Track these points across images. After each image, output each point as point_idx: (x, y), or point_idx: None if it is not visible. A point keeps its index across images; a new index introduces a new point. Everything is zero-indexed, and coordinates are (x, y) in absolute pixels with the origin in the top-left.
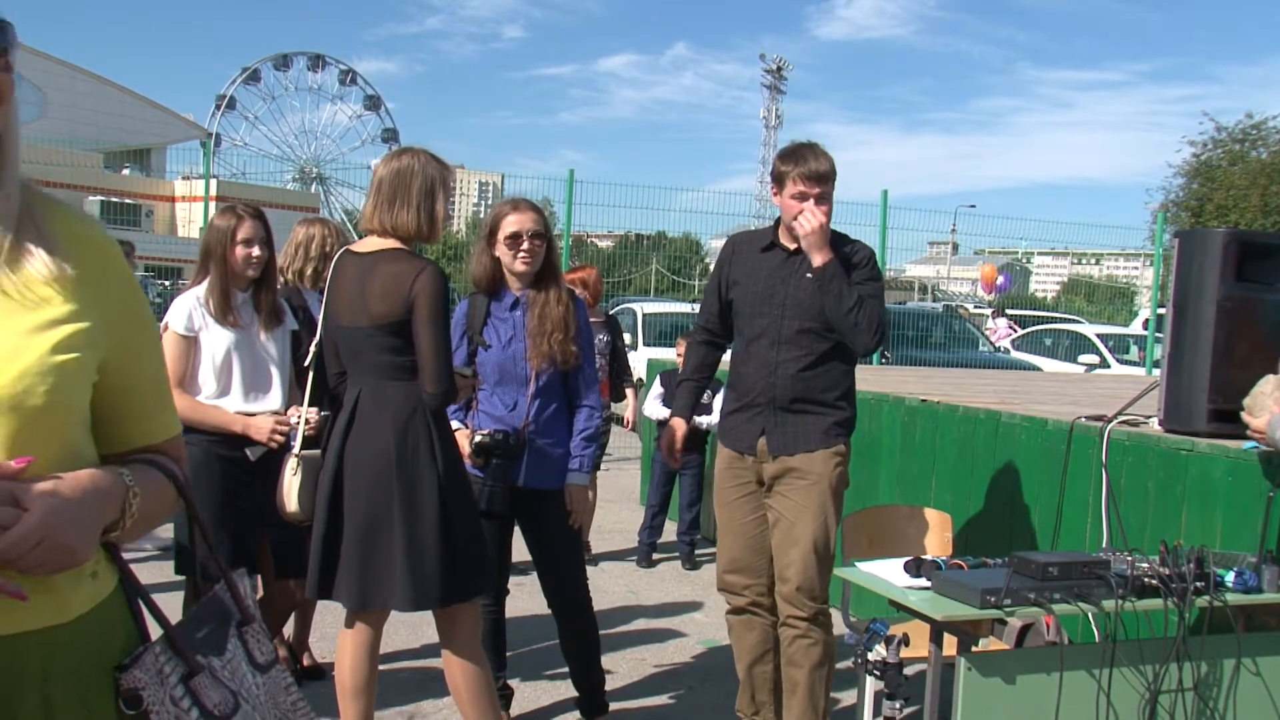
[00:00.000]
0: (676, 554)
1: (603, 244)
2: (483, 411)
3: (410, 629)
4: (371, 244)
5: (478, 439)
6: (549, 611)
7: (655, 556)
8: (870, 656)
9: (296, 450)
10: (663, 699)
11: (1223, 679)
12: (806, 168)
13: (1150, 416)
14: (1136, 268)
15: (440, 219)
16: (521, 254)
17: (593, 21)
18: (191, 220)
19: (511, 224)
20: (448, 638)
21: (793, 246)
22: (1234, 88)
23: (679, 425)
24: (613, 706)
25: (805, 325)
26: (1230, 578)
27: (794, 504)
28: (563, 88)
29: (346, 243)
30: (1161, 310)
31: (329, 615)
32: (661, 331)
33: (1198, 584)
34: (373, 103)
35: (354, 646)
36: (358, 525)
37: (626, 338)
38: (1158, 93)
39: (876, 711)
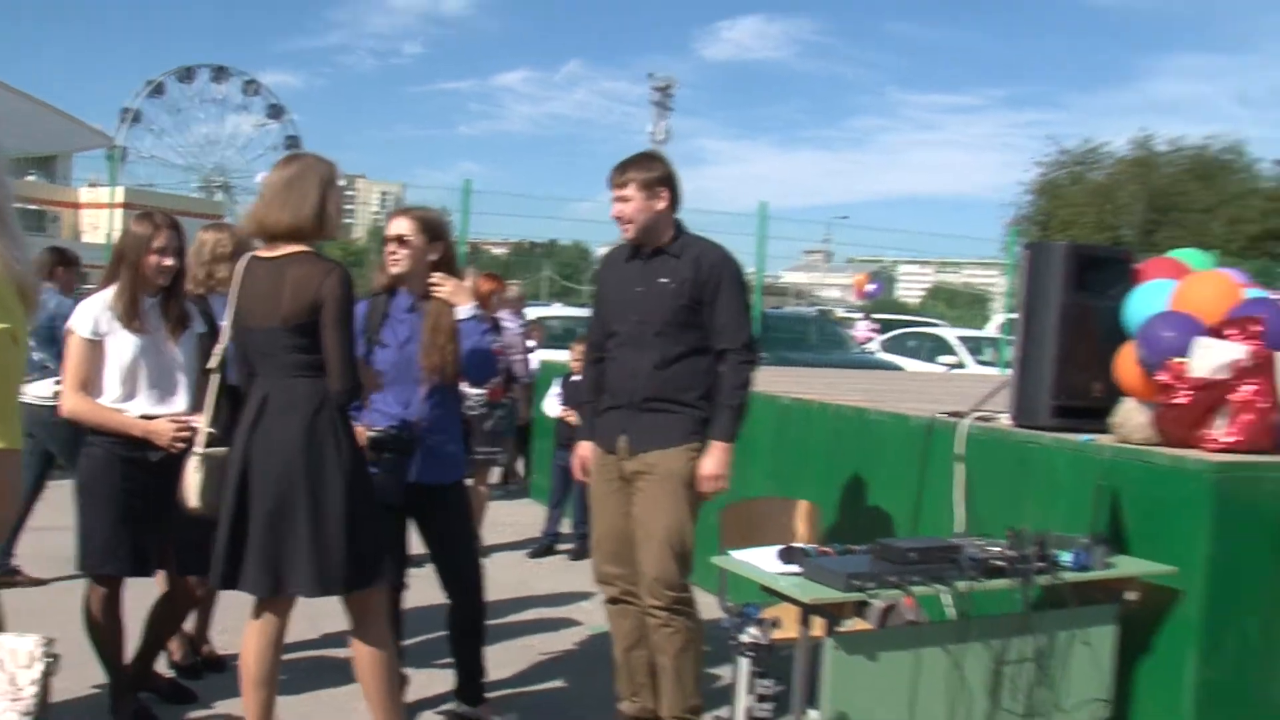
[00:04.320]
0: (572, 545)
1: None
2: (377, 409)
3: (309, 621)
4: (278, 248)
5: (372, 435)
6: (441, 602)
7: (557, 548)
8: (743, 639)
9: (198, 449)
10: (551, 685)
11: (1059, 649)
12: (612, 171)
13: (1001, 413)
14: (992, 276)
15: (330, 215)
16: (388, 257)
17: (490, 39)
18: (96, 226)
19: (388, 229)
20: (357, 623)
21: (647, 253)
22: (1076, 114)
23: (584, 449)
24: (503, 693)
25: (659, 328)
26: (1068, 558)
27: (649, 499)
28: (461, 102)
29: (245, 247)
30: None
31: (232, 609)
32: (553, 335)
33: (1040, 565)
34: (276, 111)
35: (259, 637)
36: (265, 515)
37: (531, 342)
38: (1011, 117)
39: (750, 690)
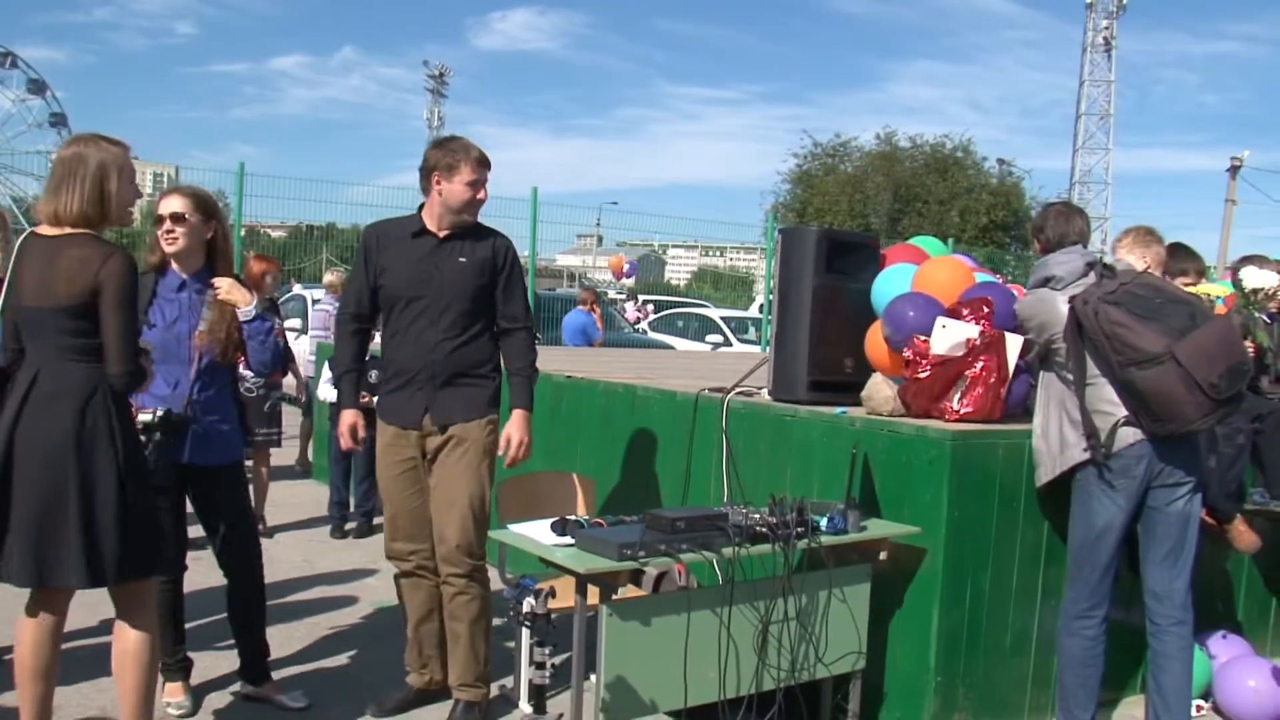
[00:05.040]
0: (354, 523)
1: (275, 234)
2: (146, 391)
3: (88, 609)
4: (59, 229)
5: (142, 417)
6: (222, 583)
7: (346, 527)
8: (523, 609)
9: None
10: (338, 660)
11: (818, 607)
12: (477, 153)
13: (761, 387)
14: (754, 259)
15: (113, 201)
16: (163, 235)
17: (264, 22)
18: None
19: (159, 208)
20: (123, 610)
21: (443, 234)
22: (826, 111)
23: (350, 415)
24: (290, 670)
25: (460, 306)
26: (824, 523)
27: (452, 469)
28: (236, 85)
29: (8, 228)
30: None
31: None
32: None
33: (799, 530)
34: (37, 87)
35: (36, 629)
36: (34, 504)
37: (296, 323)
38: (769, 111)
39: (530, 659)
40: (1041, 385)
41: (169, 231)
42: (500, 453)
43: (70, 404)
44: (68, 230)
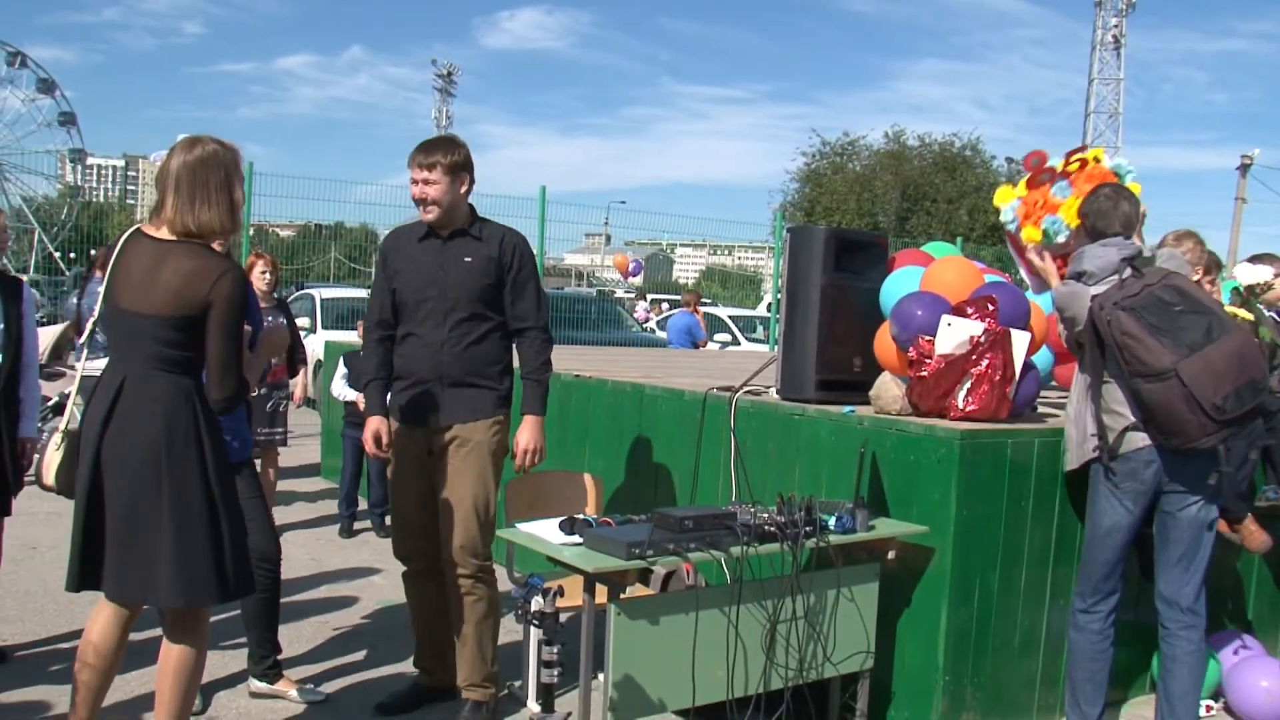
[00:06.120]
0: (368, 524)
1: (284, 234)
2: None
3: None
4: (171, 233)
5: None
6: None
7: (355, 527)
8: (531, 608)
9: (63, 425)
10: (346, 658)
11: (827, 606)
12: (415, 151)
13: (770, 386)
14: (762, 258)
15: (239, 208)
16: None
17: (272, 22)
18: None
19: None
20: (180, 629)
21: (448, 234)
22: (834, 110)
23: (376, 423)
24: (299, 668)
25: (465, 306)
26: (832, 522)
27: (457, 469)
28: (243, 84)
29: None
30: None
31: (15, 598)
32: (339, 315)
33: (807, 529)
34: (46, 86)
35: (107, 620)
36: (121, 517)
37: (306, 321)
38: (776, 110)
39: (539, 657)
40: (1078, 371)
41: None
42: (513, 458)
43: (161, 414)
44: (180, 236)
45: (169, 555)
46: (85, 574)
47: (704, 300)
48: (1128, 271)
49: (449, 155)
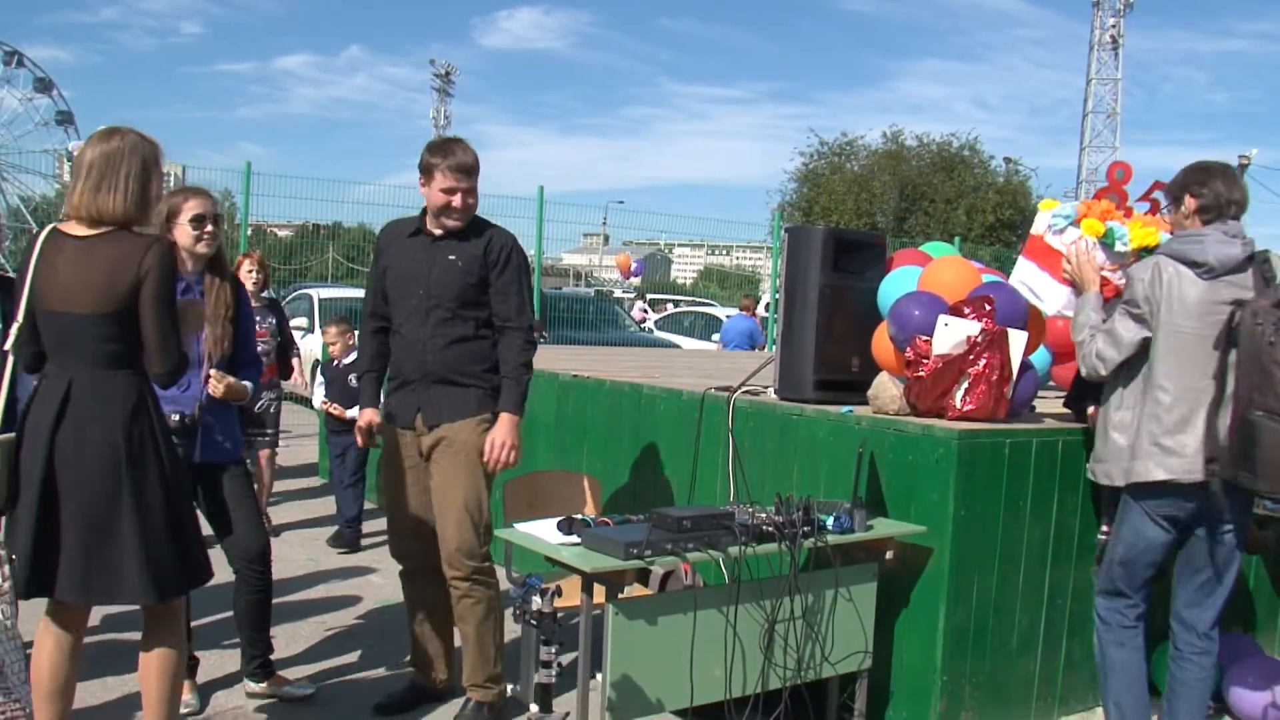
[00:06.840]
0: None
1: (282, 233)
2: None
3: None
4: (92, 228)
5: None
6: (226, 582)
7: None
8: (529, 608)
9: None
10: (343, 658)
11: (825, 606)
12: (455, 160)
13: (768, 386)
14: (761, 258)
15: (152, 201)
16: (206, 236)
17: (270, 22)
18: None
19: (194, 207)
20: (158, 627)
21: (438, 232)
22: (833, 110)
23: (369, 415)
24: (296, 668)
25: (449, 305)
26: (831, 522)
27: (446, 471)
28: (242, 84)
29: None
30: (779, 296)
31: None
32: (337, 315)
33: (805, 529)
34: (44, 85)
35: (54, 648)
36: (83, 521)
37: (303, 321)
38: (776, 110)
39: (537, 657)
40: (1129, 371)
41: (209, 232)
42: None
43: (117, 416)
44: (102, 230)
45: (135, 554)
46: (37, 581)
47: (708, 300)
48: (1254, 272)
49: (478, 164)
